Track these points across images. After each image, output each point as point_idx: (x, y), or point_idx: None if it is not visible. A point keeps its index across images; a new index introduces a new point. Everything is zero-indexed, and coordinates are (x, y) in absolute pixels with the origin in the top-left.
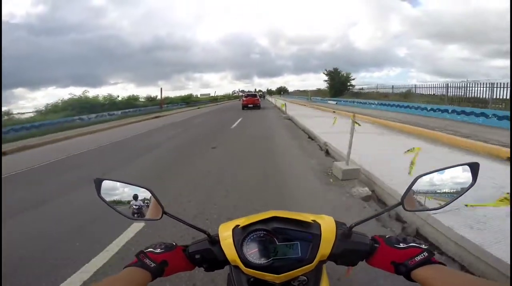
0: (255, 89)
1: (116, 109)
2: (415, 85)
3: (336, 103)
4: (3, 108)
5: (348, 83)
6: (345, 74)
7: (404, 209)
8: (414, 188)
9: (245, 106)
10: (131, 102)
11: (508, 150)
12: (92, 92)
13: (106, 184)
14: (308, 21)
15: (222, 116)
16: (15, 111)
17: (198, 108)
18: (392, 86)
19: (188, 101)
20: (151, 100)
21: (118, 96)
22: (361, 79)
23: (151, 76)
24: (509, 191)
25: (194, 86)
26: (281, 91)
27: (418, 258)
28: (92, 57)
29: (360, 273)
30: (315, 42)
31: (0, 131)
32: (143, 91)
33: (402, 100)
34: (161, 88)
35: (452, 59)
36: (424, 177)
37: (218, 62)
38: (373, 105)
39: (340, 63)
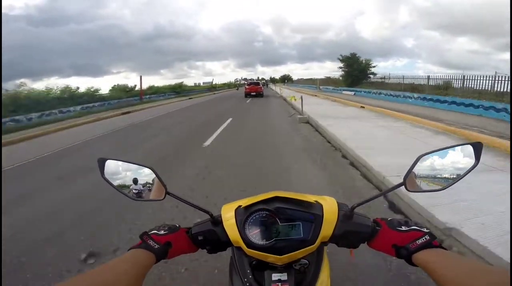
0: (258, 77)
1: (75, 104)
2: (463, 76)
3: (354, 94)
4: None
5: (368, 71)
6: (364, 61)
7: (407, 189)
8: (416, 168)
9: (247, 94)
10: (95, 95)
11: None
12: (94, 82)
13: (109, 163)
14: (313, 9)
15: (207, 113)
16: None
17: (190, 98)
18: (428, 76)
19: (178, 91)
20: (128, 91)
21: (78, 88)
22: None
23: (153, 65)
24: None
25: (196, 75)
26: (285, 79)
27: (420, 241)
28: (93, 47)
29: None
30: (320, 31)
31: (0, 127)
32: (145, 80)
33: (442, 94)
34: (141, 77)
35: (460, 51)
36: (426, 157)
37: (220, 50)
38: (410, 100)
39: (345, 52)
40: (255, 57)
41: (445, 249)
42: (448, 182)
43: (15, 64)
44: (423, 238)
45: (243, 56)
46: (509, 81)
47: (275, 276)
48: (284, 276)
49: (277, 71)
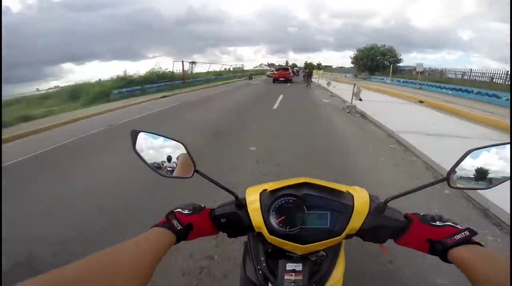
0: (286, 63)
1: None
2: None
3: None
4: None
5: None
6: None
7: (449, 185)
8: (464, 163)
9: (275, 80)
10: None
11: None
12: (132, 66)
13: (141, 136)
14: None
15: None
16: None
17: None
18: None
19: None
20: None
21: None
22: (410, 61)
23: (187, 50)
24: None
25: (228, 60)
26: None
27: (458, 236)
28: (129, 32)
29: None
30: (365, 17)
31: (0, 127)
32: (177, 65)
33: None
34: (182, 61)
35: None
36: (475, 152)
37: (252, 35)
38: None
39: (391, 41)
40: (288, 43)
41: (482, 245)
42: (495, 181)
43: (59, 50)
44: (462, 233)
45: (275, 42)
46: (510, 77)
47: (289, 266)
48: (299, 267)
49: (310, 59)
